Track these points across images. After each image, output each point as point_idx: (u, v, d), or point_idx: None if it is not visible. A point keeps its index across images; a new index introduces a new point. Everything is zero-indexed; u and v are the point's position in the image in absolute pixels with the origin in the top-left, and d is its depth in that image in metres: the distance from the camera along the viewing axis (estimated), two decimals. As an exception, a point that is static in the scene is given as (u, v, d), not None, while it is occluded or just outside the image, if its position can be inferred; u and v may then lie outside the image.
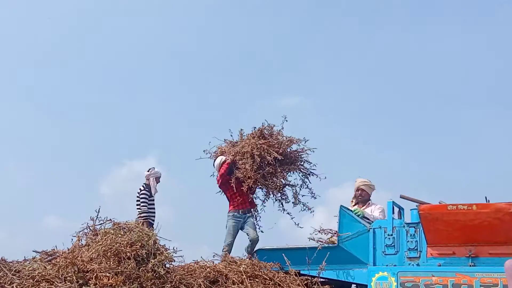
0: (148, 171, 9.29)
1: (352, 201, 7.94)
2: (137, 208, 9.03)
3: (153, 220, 9.03)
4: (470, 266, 6.07)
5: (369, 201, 7.83)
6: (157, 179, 9.28)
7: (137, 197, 9.13)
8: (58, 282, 5.06)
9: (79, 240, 6.30)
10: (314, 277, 7.36)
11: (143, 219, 8.61)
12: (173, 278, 5.92)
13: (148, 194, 9.14)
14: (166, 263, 6.13)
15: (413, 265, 6.48)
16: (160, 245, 6.33)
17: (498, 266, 5.71)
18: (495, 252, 6.02)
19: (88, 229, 6.46)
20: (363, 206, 7.65)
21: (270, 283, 6.68)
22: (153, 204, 9.20)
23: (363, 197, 7.77)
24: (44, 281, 5.04)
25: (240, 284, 6.46)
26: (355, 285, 7.75)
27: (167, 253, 6.16)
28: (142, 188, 9.17)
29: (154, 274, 5.72)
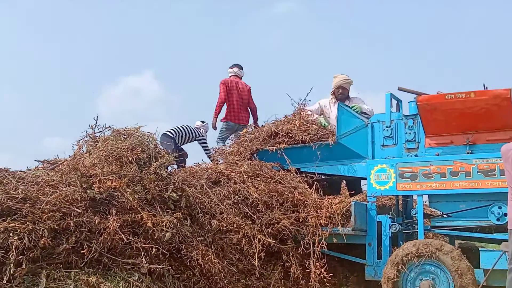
0: (202, 122, 9.49)
1: (331, 97, 7.94)
2: (180, 127, 9.11)
3: None
4: (468, 153, 6.12)
5: (349, 97, 7.84)
6: (206, 132, 9.47)
7: (195, 136, 9.22)
8: (62, 187, 5.12)
9: (80, 148, 6.33)
10: (314, 173, 7.52)
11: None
12: (176, 179, 6.00)
13: (198, 135, 9.27)
14: (167, 165, 6.20)
15: (411, 156, 6.54)
16: (161, 149, 6.38)
17: (495, 151, 5.77)
18: (492, 138, 6.05)
19: (88, 137, 6.48)
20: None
21: (271, 181, 6.82)
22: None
23: (343, 94, 7.76)
24: (48, 186, 5.10)
25: (241, 184, 6.58)
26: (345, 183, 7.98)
27: (168, 156, 6.21)
28: (200, 134, 9.27)
29: (157, 176, 5.79)
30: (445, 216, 6.26)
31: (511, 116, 5.77)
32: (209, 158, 8.98)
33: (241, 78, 9.42)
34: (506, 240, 5.25)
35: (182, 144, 9.08)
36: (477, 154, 6.04)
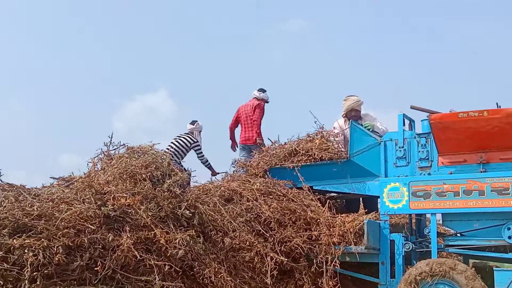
0: (192, 124, 9.15)
1: (345, 122, 7.92)
2: (175, 141, 8.93)
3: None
4: (481, 172, 6.09)
5: (361, 117, 7.84)
6: (200, 133, 9.20)
7: (182, 137, 8.99)
8: (77, 204, 5.17)
9: (94, 165, 6.39)
10: (326, 192, 7.53)
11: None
12: (189, 197, 6.04)
13: (192, 142, 9.01)
14: (181, 183, 6.25)
15: (424, 174, 6.53)
16: (174, 166, 6.43)
17: (509, 170, 5.75)
18: (506, 157, 6.03)
19: (103, 154, 6.55)
20: None
21: (284, 199, 6.83)
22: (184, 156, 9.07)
23: (355, 116, 7.75)
24: (63, 203, 5.16)
25: (254, 201, 6.60)
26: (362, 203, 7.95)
27: (181, 174, 6.26)
28: (194, 140, 8.98)
29: (170, 194, 5.84)
30: (458, 235, 6.22)
31: (525, 135, 5.75)
32: (204, 164, 8.98)
33: (264, 101, 9.26)
34: (521, 260, 5.22)
35: (182, 159, 8.88)
36: (490, 172, 6.02)
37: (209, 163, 9.10)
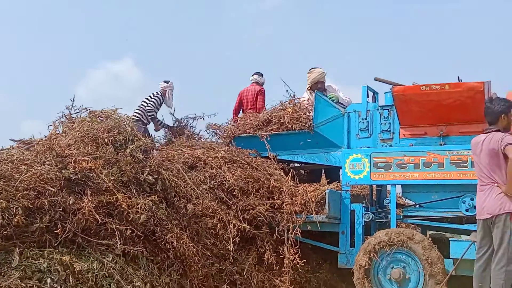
0: (166, 82, 9.07)
1: (308, 92, 7.93)
2: (141, 105, 8.82)
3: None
4: (441, 145, 6.22)
5: (325, 89, 7.87)
6: (172, 92, 9.12)
7: (148, 98, 8.90)
8: (37, 166, 5.07)
9: (56, 129, 6.26)
10: (290, 162, 7.58)
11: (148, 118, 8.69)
12: (152, 163, 5.99)
13: (160, 102, 8.95)
14: (144, 148, 6.19)
15: (386, 146, 6.63)
16: (137, 132, 6.35)
17: (467, 144, 5.85)
18: (465, 131, 6.15)
19: (64, 117, 6.41)
20: None
21: (248, 168, 6.84)
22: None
23: (320, 89, 7.78)
24: (23, 165, 5.05)
25: (218, 169, 6.59)
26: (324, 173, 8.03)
27: (145, 140, 6.19)
28: (158, 94, 8.94)
29: (133, 159, 5.76)
30: (417, 206, 6.38)
31: (483, 109, 5.85)
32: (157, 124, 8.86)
33: (261, 85, 9.21)
34: (475, 231, 5.37)
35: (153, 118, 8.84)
36: (450, 145, 6.15)
37: (151, 115, 8.85)
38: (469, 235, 5.81)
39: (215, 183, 6.37)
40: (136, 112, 8.73)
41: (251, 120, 7.72)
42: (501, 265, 4.87)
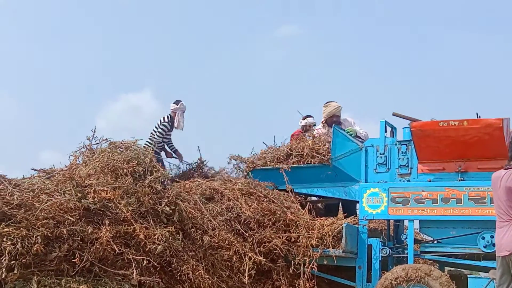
0: (176, 103, 8.85)
1: (323, 126, 7.96)
2: (150, 137, 8.73)
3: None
4: (459, 180, 6.20)
5: (341, 122, 7.89)
6: (183, 114, 8.90)
7: (156, 126, 8.78)
8: (57, 195, 5.16)
9: (76, 159, 6.38)
10: (307, 195, 7.59)
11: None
12: (170, 194, 6.05)
13: (169, 127, 8.79)
14: (162, 180, 6.27)
15: (404, 181, 6.61)
16: (156, 163, 6.44)
17: (486, 180, 5.83)
18: (483, 167, 6.13)
19: (85, 148, 6.54)
20: None
21: (265, 200, 6.86)
22: (170, 139, 8.98)
23: (336, 122, 7.80)
24: (43, 194, 5.14)
25: (235, 201, 6.62)
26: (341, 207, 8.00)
27: (163, 171, 6.28)
28: (165, 120, 8.75)
29: (151, 190, 5.84)
30: (435, 242, 6.33)
31: (502, 145, 5.84)
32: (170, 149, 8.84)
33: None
34: (495, 268, 5.30)
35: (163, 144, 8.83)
36: (468, 181, 6.12)
37: (159, 146, 8.75)
38: (486, 272, 5.74)
39: (231, 215, 6.40)
40: (147, 142, 8.59)
41: (271, 154, 7.75)
42: (521, 304, 4.80)
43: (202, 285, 5.45)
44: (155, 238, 5.36)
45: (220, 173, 8.07)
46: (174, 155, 8.98)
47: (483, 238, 5.90)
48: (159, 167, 6.31)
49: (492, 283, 5.41)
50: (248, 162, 7.81)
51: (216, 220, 6.23)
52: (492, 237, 5.74)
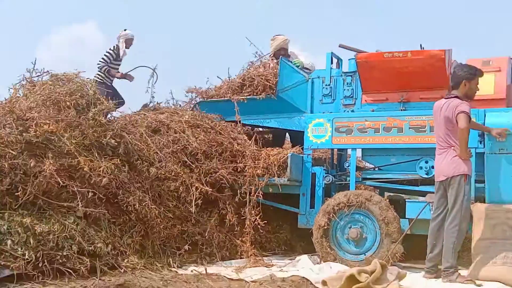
0: (122, 31, 8.60)
1: (271, 60, 7.94)
2: (97, 65, 8.48)
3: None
4: (401, 110, 6.35)
5: (289, 55, 7.88)
6: (128, 42, 8.62)
7: (102, 56, 8.53)
8: (-3, 129, 5.05)
9: (16, 92, 6.21)
10: (255, 126, 7.66)
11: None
12: (115, 126, 6.01)
13: (114, 55, 8.52)
14: (107, 112, 6.20)
15: (348, 111, 6.74)
16: (100, 95, 6.33)
17: (427, 109, 5.99)
18: (425, 97, 6.26)
19: (25, 80, 6.35)
20: None
21: (211, 132, 6.89)
22: (118, 70, 8.65)
23: (284, 55, 7.79)
24: (-18, 128, 5.03)
25: (181, 133, 6.63)
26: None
27: (107, 103, 6.18)
28: (111, 49, 8.54)
29: (95, 122, 5.78)
30: (376, 169, 6.55)
31: (444, 75, 5.98)
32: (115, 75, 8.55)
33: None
34: (432, 192, 5.56)
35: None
36: (410, 111, 6.28)
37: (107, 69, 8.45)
38: (424, 196, 6.01)
39: (178, 147, 6.42)
40: (98, 74, 8.40)
41: (227, 85, 7.71)
42: (455, 224, 5.07)
43: (149, 215, 5.53)
44: (100, 171, 5.36)
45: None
46: (125, 78, 8.70)
47: (422, 164, 6.13)
48: (103, 99, 6.20)
49: (428, 206, 5.67)
50: (203, 94, 7.76)
51: (163, 152, 6.25)
52: (429, 163, 5.98)
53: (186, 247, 5.79)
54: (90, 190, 5.20)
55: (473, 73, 5.30)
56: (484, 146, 5.61)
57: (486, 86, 5.84)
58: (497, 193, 5.46)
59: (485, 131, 5.54)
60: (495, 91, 5.99)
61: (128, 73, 8.67)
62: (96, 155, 5.55)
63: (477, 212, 5.45)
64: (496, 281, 4.98)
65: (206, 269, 5.33)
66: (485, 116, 5.67)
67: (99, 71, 8.42)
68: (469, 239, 5.59)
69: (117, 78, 8.58)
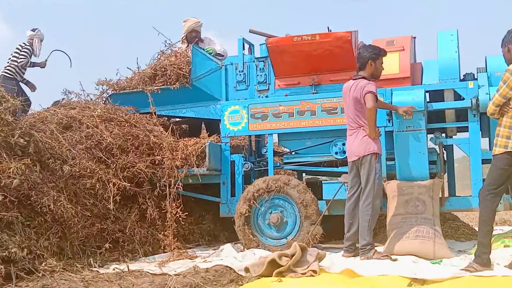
0: (33, 30, 8.53)
1: (183, 42, 7.88)
2: (12, 61, 8.27)
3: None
4: (313, 93, 6.48)
5: (201, 39, 7.85)
6: (40, 42, 8.58)
7: (17, 51, 8.35)
8: None
9: None
10: (171, 117, 7.58)
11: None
12: (23, 124, 5.75)
13: (31, 51, 8.42)
14: (13, 110, 5.92)
15: (262, 97, 6.79)
16: (5, 93, 6.03)
17: (337, 91, 6.15)
18: (335, 79, 6.41)
19: None
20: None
21: (126, 125, 6.75)
22: (25, 69, 8.50)
23: (195, 38, 7.75)
24: None
25: (94, 128, 6.45)
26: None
27: (14, 101, 5.90)
28: (26, 45, 8.40)
29: (1, 122, 5.50)
30: (293, 153, 6.67)
31: (351, 57, 6.13)
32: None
33: None
34: (346, 173, 5.73)
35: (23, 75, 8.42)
36: (321, 94, 6.42)
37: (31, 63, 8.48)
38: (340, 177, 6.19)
39: (92, 143, 6.23)
40: (7, 69, 8.18)
41: (138, 76, 7.52)
42: (368, 202, 5.27)
43: (65, 215, 5.35)
44: (10, 172, 5.12)
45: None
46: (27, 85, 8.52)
47: (336, 145, 6.30)
48: (9, 97, 5.91)
49: (344, 187, 5.85)
50: (115, 86, 7.55)
51: (76, 148, 6.06)
52: (343, 144, 6.14)
53: (107, 245, 5.65)
54: (0, 193, 4.96)
55: (377, 53, 5.50)
56: (392, 125, 5.84)
57: (391, 65, 6.09)
58: (407, 169, 5.72)
59: (392, 110, 5.76)
60: (400, 70, 6.19)
61: (45, 61, 8.64)
62: (5, 156, 5.29)
63: (389, 189, 5.69)
64: (411, 254, 5.23)
65: (128, 266, 5.24)
66: (392, 95, 5.89)
67: (12, 67, 8.20)
68: (384, 216, 5.83)
69: (42, 67, 8.57)
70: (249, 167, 6.64)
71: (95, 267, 5.30)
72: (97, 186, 5.87)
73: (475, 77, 6.00)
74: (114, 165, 6.19)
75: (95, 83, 7.61)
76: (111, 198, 5.83)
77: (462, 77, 6.05)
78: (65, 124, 6.47)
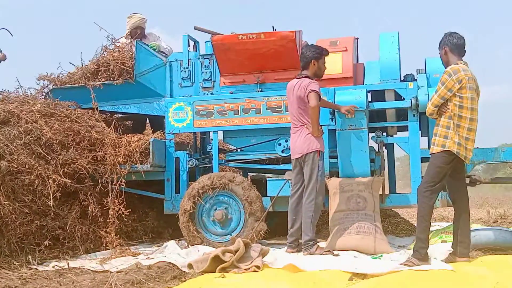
0: None
1: (127, 38, 7.77)
2: None
3: None
4: (258, 91, 6.52)
5: (145, 35, 7.77)
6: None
7: None
8: None
9: None
10: (114, 113, 7.46)
11: None
12: (-44, 120, 5.54)
13: None
14: None
15: (207, 94, 6.78)
16: None
17: (281, 90, 6.21)
18: (279, 78, 6.48)
19: None
20: None
21: (67, 120, 6.60)
22: None
23: (140, 35, 7.66)
24: None
25: (34, 123, 6.26)
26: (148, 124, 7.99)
27: None
28: None
29: None
30: (238, 150, 6.69)
31: (295, 56, 6.20)
32: None
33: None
34: (290, 170, 5.80)
35: None
36: (266, 92, 6.47)
37: None
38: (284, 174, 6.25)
39: (31, 138, 6.04)
40: None
41: (81, 71, 7.34)
42: (311, 199, 5.35)
43: (2, 212, 5.20)
44: None
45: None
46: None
47: (280, 143, 6.37)
48: None
49: (288, 184, 5.92)
50: (56, 81, 7.35)
51: (14, 144, 5.86)
52: (287, 141, 6.21)
53: (46, 242, 5.52)
54: None
55: (320, 53, 5.60)
56: (335, 123, 5.96)
57: (335, 65, 6.22)
58: (349, 167, 5.84)
59: (335, 109, 5.87)
60: (343, 70, 6.32)
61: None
62: None
63: (332, 186, 5.80)
64: (352, 249, 5.35)
65: (68, 264, 5.13)
66: (335, 94, 6.00)
67: None
68: (327, 212, 5.93)
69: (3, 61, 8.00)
70: (194, 164, 6.62)
71: (33, 264, 5.18)
72: (36, 183, 5.70)
73: (415, 78, 6.19)
74: (54, 161, 6.03)
75: (36, 77, 7.40)
76: (51, 194, 5.68)
77: (402, 78, 6.23)
78: (3, 119, 6.24)
